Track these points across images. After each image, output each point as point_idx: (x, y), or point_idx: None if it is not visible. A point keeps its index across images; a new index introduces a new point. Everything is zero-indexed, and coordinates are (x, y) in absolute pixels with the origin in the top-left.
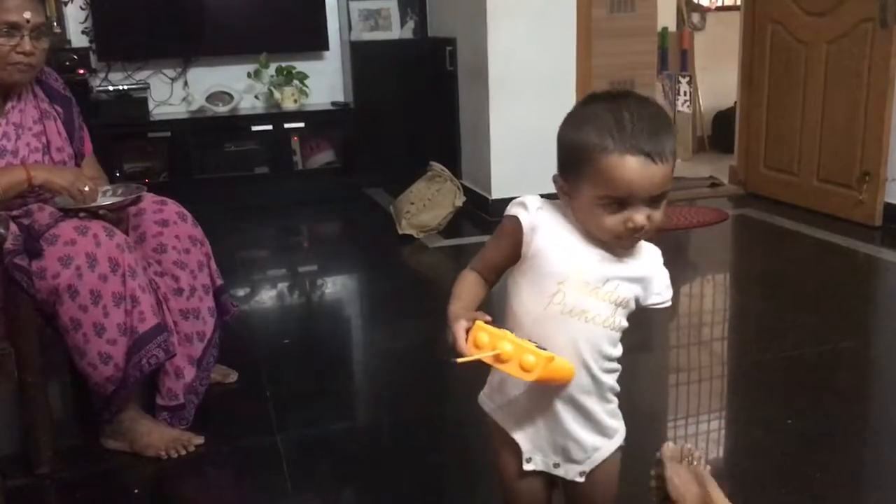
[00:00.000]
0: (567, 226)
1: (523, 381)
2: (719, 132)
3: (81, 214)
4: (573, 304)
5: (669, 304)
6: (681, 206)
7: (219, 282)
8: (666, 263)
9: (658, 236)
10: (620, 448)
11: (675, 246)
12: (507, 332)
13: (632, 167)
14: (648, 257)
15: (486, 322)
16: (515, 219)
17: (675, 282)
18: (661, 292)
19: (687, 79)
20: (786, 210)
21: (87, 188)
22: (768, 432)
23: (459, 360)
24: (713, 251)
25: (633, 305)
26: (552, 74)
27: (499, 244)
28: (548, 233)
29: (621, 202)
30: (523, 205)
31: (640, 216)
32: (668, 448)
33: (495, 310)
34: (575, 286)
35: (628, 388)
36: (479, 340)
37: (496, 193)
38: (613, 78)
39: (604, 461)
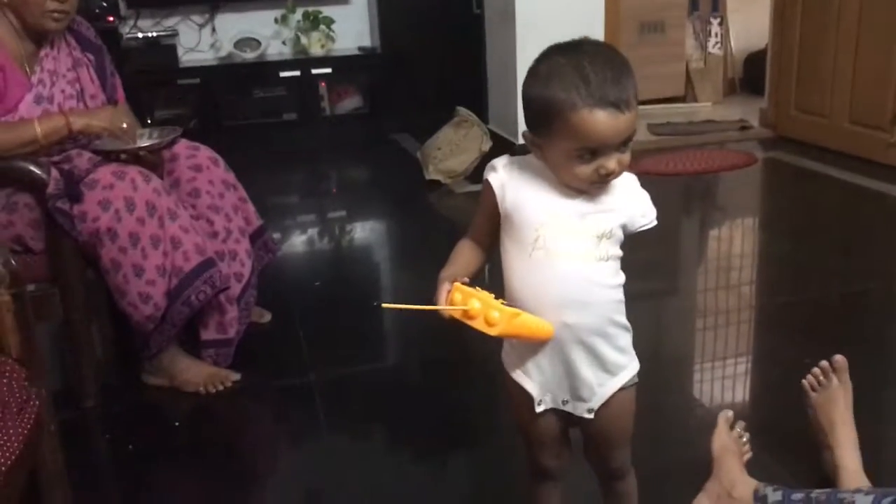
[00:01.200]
0: (537, 177)
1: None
2: (750, 74)
3: (123, 156)
4: (554, 246)
5: (656, 222)
6: (710, 149)
7: (258, 223)
8: (695, 207)
9: (687, 180)
10: (634, 385)
11: (704, 189)
12: (482, 292)
13: (602, 119)
14: (622, 186)
15: (464, 283)
16: (487, 182)
17: (704, 225)
18: (645, 213)
19: (718, 20)
20: (816, 153)
21: (124, 125)
22: (793, 374)
23: (384, 304)
24: (742, 195)
25: (619, 234)
26: (581, 16)
27: (481, 209)
28: (518, 186)
29: (593, 151)
30: (492, 167)
31: (611, 162)
32: (724, 414)
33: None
34: (553, 229)
35: (655, 331)
36: (453, 298)
37: (523, 138)
38: (643, 19)
39: (613, 397)
